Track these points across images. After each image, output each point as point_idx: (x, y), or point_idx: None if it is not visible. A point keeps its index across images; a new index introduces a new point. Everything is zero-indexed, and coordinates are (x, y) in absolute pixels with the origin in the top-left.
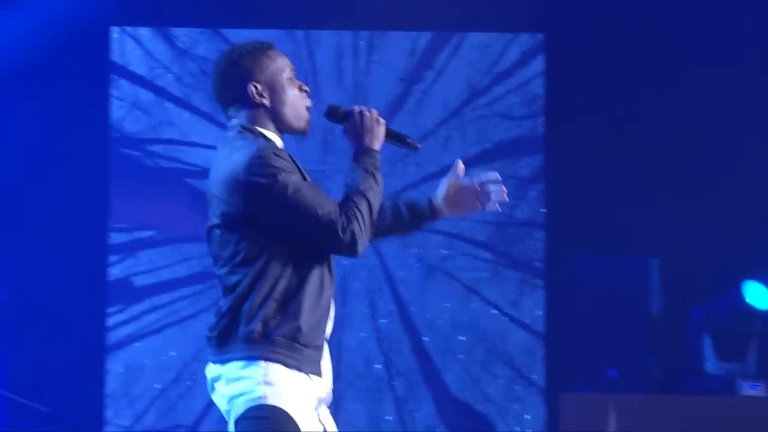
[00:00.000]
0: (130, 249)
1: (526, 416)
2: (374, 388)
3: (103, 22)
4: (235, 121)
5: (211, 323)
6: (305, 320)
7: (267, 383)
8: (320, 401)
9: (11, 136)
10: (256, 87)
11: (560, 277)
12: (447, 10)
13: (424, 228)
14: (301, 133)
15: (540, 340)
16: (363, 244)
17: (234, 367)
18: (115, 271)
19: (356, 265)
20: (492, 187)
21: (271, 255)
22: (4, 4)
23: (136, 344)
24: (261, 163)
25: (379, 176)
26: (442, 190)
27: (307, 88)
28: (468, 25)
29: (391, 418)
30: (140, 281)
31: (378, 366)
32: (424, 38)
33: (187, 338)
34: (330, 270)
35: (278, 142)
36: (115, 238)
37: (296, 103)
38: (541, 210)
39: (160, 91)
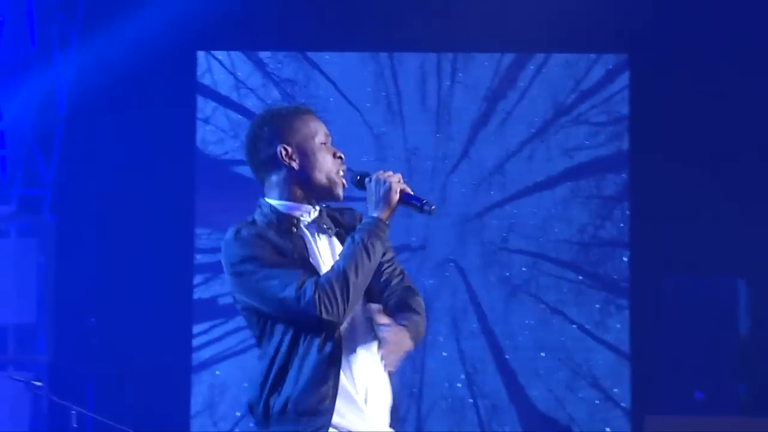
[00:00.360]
0: (215, 270)
1: None
2: (458, 408)
3: (190, 47)
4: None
5: None
6: (291, 389)
7: None
8: None
9: (98, 162)
10: (285, 149)
11: (646, 297)
12: (531, 32)
13: None
14: (335, 199)
15: (625, 361)
16: (332, 314)
17: None
18: (200, 292)
19: (440, 286)
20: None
21: (265, 333)
22: (95, 31)
23: (220, 365)
24: (227, 252)
25: (373, 244)
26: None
27: (341, 155)
28: (552, 46)
29: None
30: (224, 302)
31: (461, 386)
32: (507, 58)
33: None
34: (330, 335)
35: (296, 206)
36: (200, 258)
37: (327, 168)
38: (621, 225)
39: (245, 113)
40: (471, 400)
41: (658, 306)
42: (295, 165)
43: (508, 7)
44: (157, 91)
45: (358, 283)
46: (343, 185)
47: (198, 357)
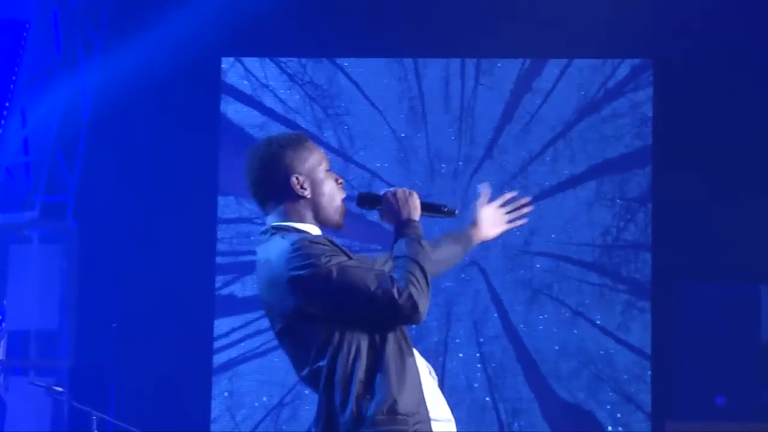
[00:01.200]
0: (235, 271)
1: None
2: (477, 410)
3: (215, 53)
4: (270, 219)
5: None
6: (397, 390)
7: None
8: None
9: (121, 169)
10: (297, 179)
11: (667, 301)
12: (555, 38)
13: (462, 259)
14: (336, 227)
15: (647, 365)
16: (424, 306)
17: None
18: (221, 294)
19: (462, 289)
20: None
21: (340, 339)
22: (119, 38)
23: (240, 368)
24: (298, 256)
25: (424, 243)
26: (473, 215)
27: (342, 180)
28: (576, 51)
29: None
30: (244, 305)
31: (482, 388)
32: (531, 62)
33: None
34: (404, 334)
35: (316, 231)
36: (221, 260)
37: (333, 195)
38: (644, 228)
39: (269, 113)
40: (491, 402)
41: (679, 310)
42: (307, 194)
43: (533, 14)
44: (181, 97)
45: (429, 275)
46: (343, 213)
47: (218, 361)
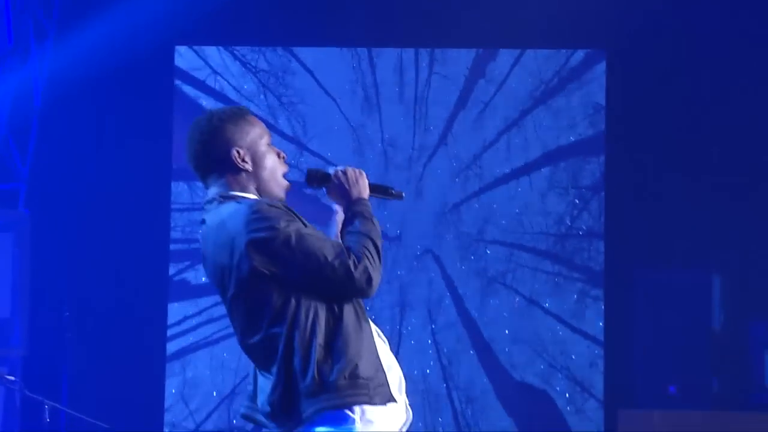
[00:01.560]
0: (190, 258)
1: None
2: (432, 400)
3: (168, 41)
4: (213, 190)
5: (262, 401)
6: (357, 355)
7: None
8: (403, 424)
9: (73, 156)
10: (239, 152)
11: (621, 289)
12: (509, 29)
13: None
14: (279, 200)
15: (600, 353)
16: (377, 280)
17: (311, 427)
18: (174, 282)
19: (416, 277)
20: None
21: (297, 304)
22: (72, 25)
23: (193, 356)
24: (258, 218)
25: (375, 221)
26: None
27: (284, 155)
28: (530, 42)
29: (450, 430)
30: (198, 293)
31: (436, 378)
32: (485, 52)
33: None
34: (358, 301)
35: None
36: (174, 247)
37: (275, 169)
38: (598, 217)
39: (222, 101)
40: (445, 390)
41: (632, 299)
42: (248, 167)
43: (487, 5)
44: (134, 85)
45: (381, 250)
46: (287, 187)
47: (172, 349)
